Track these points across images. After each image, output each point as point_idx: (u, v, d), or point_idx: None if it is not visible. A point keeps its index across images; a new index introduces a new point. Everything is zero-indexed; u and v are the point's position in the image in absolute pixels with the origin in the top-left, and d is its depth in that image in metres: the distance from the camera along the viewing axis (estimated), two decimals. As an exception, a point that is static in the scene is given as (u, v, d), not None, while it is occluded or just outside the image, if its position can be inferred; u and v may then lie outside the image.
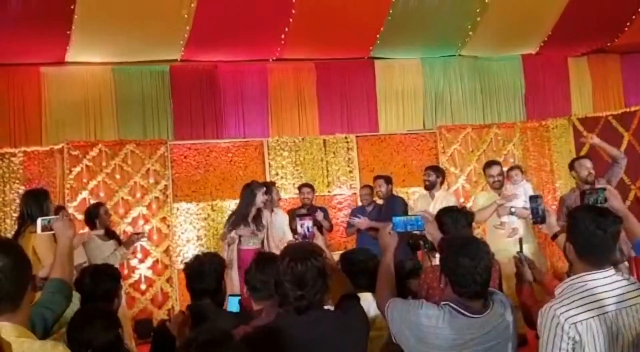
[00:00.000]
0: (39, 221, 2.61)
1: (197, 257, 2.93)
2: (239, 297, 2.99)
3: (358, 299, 2.37)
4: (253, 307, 2.80)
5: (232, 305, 2.93)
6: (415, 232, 2.88)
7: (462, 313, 2.14)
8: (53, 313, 2.05)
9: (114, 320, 2.46)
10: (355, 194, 7.37)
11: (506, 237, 5.46)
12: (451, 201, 5.93)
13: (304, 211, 5.96)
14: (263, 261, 2.60)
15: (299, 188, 6.67)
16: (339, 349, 2.10)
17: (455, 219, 3.04)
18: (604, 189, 2.56)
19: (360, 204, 6.66)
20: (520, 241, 3.09)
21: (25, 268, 1.84)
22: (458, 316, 2.15)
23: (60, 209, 5.14)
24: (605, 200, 2.51)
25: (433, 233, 2.69)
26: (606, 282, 2.06)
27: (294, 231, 5.37)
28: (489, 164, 5.87)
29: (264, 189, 5.54)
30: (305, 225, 2.65)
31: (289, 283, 2.07)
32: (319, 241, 2.64)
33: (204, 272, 2.81)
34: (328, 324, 2.12)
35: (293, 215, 5.96)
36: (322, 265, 2.12)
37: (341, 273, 2.56)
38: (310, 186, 6.62)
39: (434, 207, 5.70)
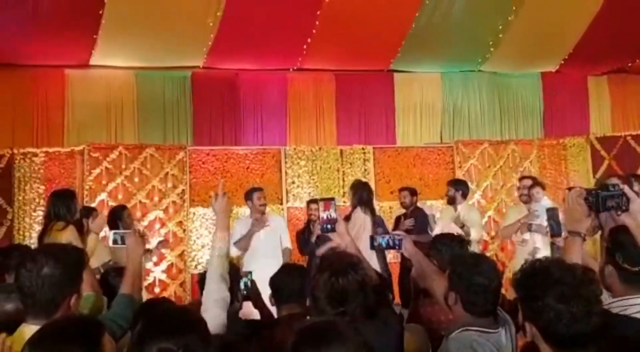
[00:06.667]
0: (112, 234, 2.60)
1: None
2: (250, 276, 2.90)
3: None
4: (273, 313, 2.83)
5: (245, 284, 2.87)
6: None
7: (483, 331, 2.07)
8: (120, 328, 2.10)
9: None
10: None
11: (527, 255, 5.49)
12: (474, 215, 5.95)
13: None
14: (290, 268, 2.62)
15: (307, 204, 6.33)
16: None
17: (450, 247, 3.10)
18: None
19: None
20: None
21: (72, 278, 1.91)
22: (482, 335, 2.07)
23: (123, 208, 5.25)
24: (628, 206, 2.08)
25: (409, 249, 2.60)
26: None
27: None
28: (521, 177, 6.17)
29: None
30: (328, 213, 2.38)
31: (327, 299, 1.98)
32: (341, 226, 2.46)
33: None
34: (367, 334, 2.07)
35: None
36: (362, 278, 2.01)
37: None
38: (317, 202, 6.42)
39: (458, 221, 5.79)
